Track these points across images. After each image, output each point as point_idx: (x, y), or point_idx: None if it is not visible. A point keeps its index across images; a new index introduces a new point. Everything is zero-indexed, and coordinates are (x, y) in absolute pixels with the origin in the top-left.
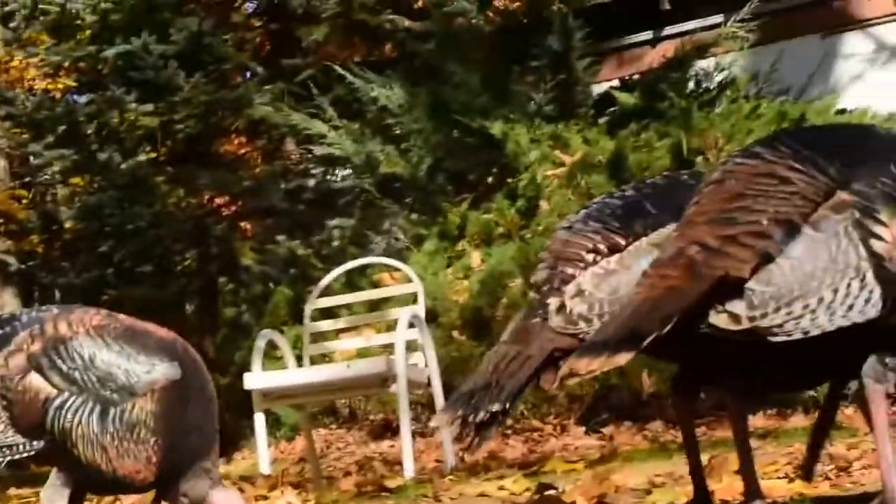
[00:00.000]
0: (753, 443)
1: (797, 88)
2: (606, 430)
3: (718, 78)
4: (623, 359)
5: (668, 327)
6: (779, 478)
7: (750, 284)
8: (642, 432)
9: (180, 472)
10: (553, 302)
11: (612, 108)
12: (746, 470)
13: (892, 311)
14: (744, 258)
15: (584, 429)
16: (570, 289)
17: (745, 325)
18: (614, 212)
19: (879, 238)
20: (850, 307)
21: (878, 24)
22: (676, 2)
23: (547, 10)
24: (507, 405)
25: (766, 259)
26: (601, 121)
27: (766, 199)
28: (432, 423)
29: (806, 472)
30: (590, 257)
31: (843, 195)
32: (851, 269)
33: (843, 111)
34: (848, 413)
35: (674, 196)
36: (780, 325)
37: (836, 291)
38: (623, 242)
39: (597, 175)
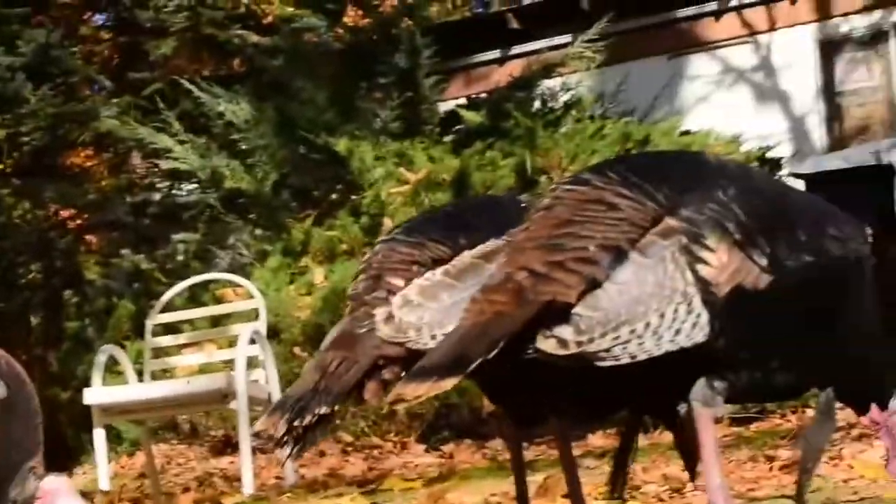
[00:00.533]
0: (592, 462)
1: (643, 109)
2: (446, 448)
3: (564, 98)
4: (449, 384)
5: (495, 352)
6: (614, 498)
7: (577, 309)
8: (482, 450)
9: (3, 485)
10: (380, 312)
11: (458, 127)
12: (573, 493)
13: (720, 335)
14: (571, 284)
15: (424, 446)
16: (397, 300)
17: (573, 349)
18: (437, 225)
19: (706, 263)
20: (678, 332)
21: (725, 46)
22: (525, 21)
23: (395, 28)
24: (334, 408)
25: (594, 284)
26: (447, 139)
27: (594, 225)
28: (256, 427)
29: (613, 490)
30: (414, 269)
31: (670, 221)
32: (678, 294)
33: (687, 132)
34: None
35: (494, 214)
36: (608, 350)
37: (662, 316)
38: (447, 255)
39: (441, 193)
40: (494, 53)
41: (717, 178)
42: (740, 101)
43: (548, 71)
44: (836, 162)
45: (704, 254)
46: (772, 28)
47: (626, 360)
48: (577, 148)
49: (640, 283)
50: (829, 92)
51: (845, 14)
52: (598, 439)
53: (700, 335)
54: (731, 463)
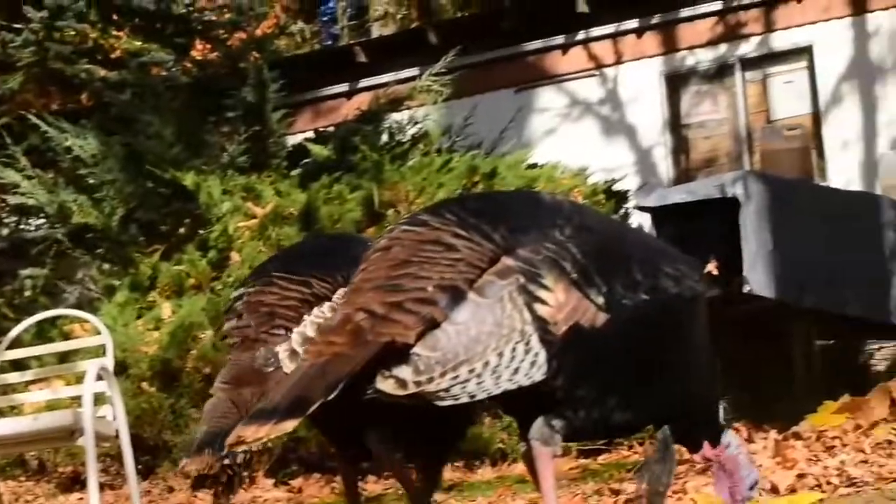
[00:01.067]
0: (439, 497)
1: (490, 142)
2: (295, 483)
3: (412, 131)
4: (289, 426)
5: (335, 394)
6: None
7: (416, 350)
8: (330, 484)
9: None
10: (283, 349)
11: (305, 160)
12: None
13: (558, 373)
14: (409, 324)
15: (272, 481)
16: (295, 337)
17: (412, 389)
18: (311, 263)
19: (543, 302)
20: (516, 370)
21: (572, 79)
22: (372, 54)
23: (243, 62)
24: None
25: (432, 325)
26: (294, 173)
27: (432, 265)
28: (186, 467)
29: None
30: (303, 307)
31: (507, 261)
32: (516, 333)
33: (534, 165)
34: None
35: (354, 250)
36: (447, 390)
37: (501, 355)
38: (329, 291)
39: (288, 227)
40: (343, 87)
41: (553, 217)
42: (587, 133)
43: (395, 104)
44: (681, 195)
45: (542, 293)
46: (618, 61)
47: (465, 400)
48: (424, 181)
49: (479, 322)
50: (676, 124)
51: (691, 47)
52: (445, 472)
53: (538, 374)
54: (576, 497)
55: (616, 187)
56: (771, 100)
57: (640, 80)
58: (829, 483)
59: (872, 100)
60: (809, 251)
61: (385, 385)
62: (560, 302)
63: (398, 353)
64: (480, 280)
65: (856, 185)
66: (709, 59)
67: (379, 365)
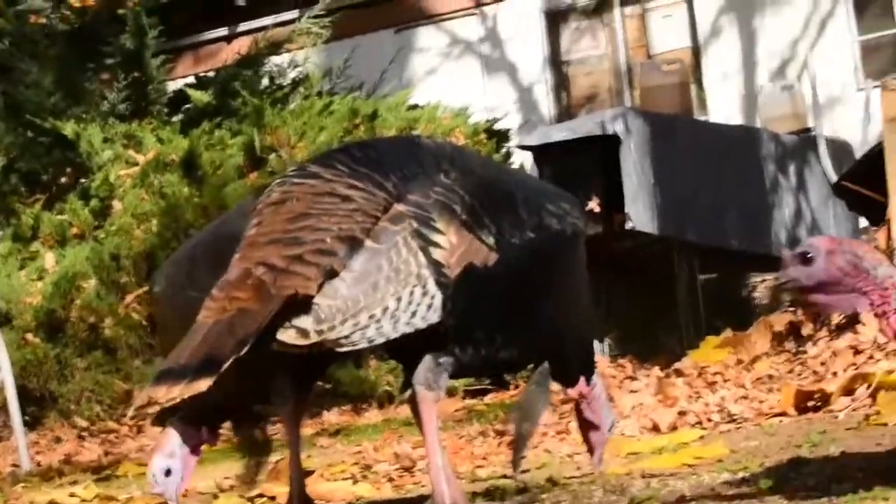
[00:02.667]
0: (325, 441)
1: (371, 84)
2: None
3: (292, 75)
4: (204, 385)
5: (245, 350)
6: (343, 479)
7: (316, 300)
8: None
9: None
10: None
11: (186, 106)
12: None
13: (451, 314)
14: (310, 276)
15: (160, 429)
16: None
17: (314, 338)
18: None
19: (437, 245)
20: (413, 314)
21: (452, 18)
22: None
23: (121, 8)
24: None
25: (332, 275)
26: (175, 119)
27: (329, 217)
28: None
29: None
30: None
31: (399, 207)
32: (413, 276)
33: (415, 106)
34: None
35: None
36: (347, 336)
37: (399, 300)
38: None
39: (170, 174)
40: (222, 31)
41: (438, 161)
42: (468, 73)
43: (275, 48)
44: (562, 133)
45: (435, 236)
46: None
47: (363, 345)
48: (305, 125)
49: (377, 269)
50: (556, 61)
51: None
52: (333, 416)
53: (434, 316)
54: (461, 439)
55: (497, 126)
56: (650, 34)
57: (520, 18)
58: (709, 420)
59: (751, 32)
60: (690, 186)
61: (286, 336)
62: (453, 244)
63: (300, 305)
64: (375, 227)
65: (737, 118)
66: None
67: (282, 318)
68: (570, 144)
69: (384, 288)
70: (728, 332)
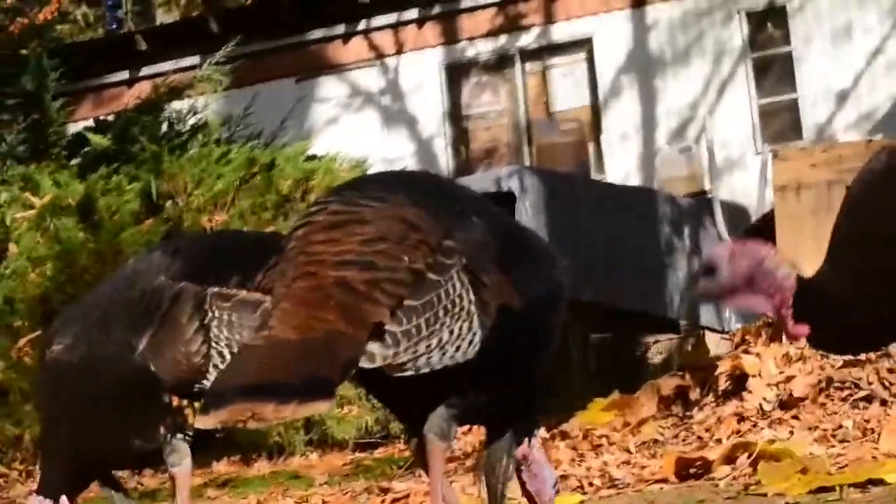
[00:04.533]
0: (213, 492)
1: (270, 132)
2: None
3: (192, 121)
4: (323, 407)
5: (350, 375)
6: None
7: (388, 327)
8: None
9: None
10: None
11: (85, 150)
12: None
13: (482, 353)
14: (386, 304)
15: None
16: None
17: (379, 363)
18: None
19: (483, 284)
20: (458, 348)
21: (353, 69)
22: (154, 42)
23: (27, 48)
24: None
25: (401, 303)
26: (73, 162)
27: (400, 245)
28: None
29: None
30: None
31: (448, 242)
32: (464, 311)
33: (313, 157)
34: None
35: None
36: (403, 364)
37: (451, 332)
38: None
39: (66, 218)
40: (124, 74)
41: (472, 204)
42: (368, 123)
43: (175, 93)
44: None
45: (481, 275)
46: (399, 51)
47: (411, 372)
48: (202, 173)
49: (437, 300)
50: (456, 115)
51: (471, 38)
52: (222, 466)
53: (472, 352)
54: (345, 495)
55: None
56: (551, 91)
57: (421, 71)
58: (591, 484)
59: (652, 92)
60: (586, 245)
61: None
62: (494, 283)
63: (375, 331)
64: (434, 260)
65: (634, 178)
66: (489, 49)
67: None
68: None
69: (442, 319)
70: (615, 395)
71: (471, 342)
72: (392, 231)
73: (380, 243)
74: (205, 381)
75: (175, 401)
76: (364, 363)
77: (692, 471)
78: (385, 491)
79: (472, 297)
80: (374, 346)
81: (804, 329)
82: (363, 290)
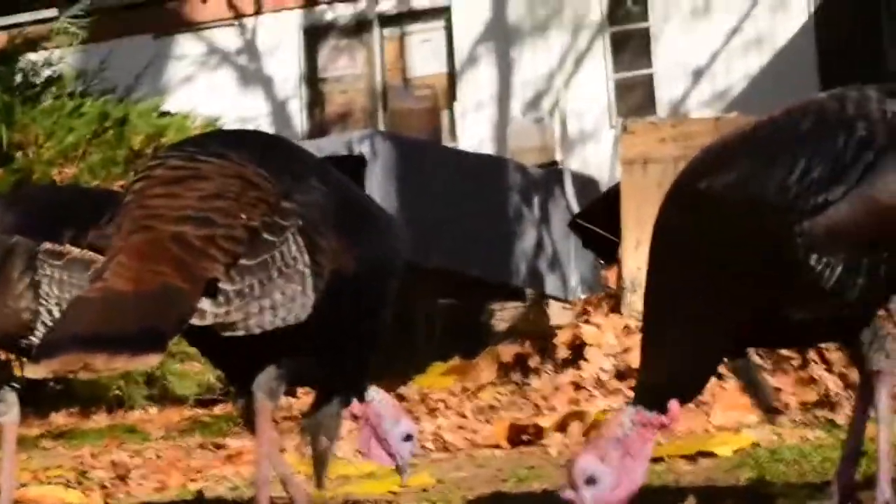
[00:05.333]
0: (48, 443)
1: (125, 88)
2: None
3: (46, 73)
4: (153, 360)
5: (182, 328)
6: (57, 484)
7: (221, 284)
8: None
9: None
10: None
11: None
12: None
13: (314, 317)
14: (221, 260)
15: None
16: None
17: (209, 321)
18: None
19: (318, 247)
20: (290, 310)
21: (211, 27)
22: None
23: None
24: None
25: (236, 261)
26: None
27: (239, 202)
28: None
29: None
30: None
31: (286, 203)
32: (298, 273)
33: (166, 113)
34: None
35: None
36: (234, 323)
37: (283, 293)
38: None
39: None
40: None
41: (313, 168)
42: (224, 82)
43: (31, 45)
44: (310, 150)
45: (317, 238)
46: (258, 12)
47: (241, 333)
48: (54, 125)
49: (272, 260)
50: (313, 78)
51: (331, 1)
52: (61, 418)
53: (304, 315)
54: (180, 450)
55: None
56: (408, 57)
57: (280, 32)
58: (423, 447)
59: (508, 63)
60: (435, 212)
61: None
62: (332, 248)
63: (208, 288)
64: (272, 220)
65: (488, 147)
66: (348, 13)
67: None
68: None
69: (275, 280)
70: (455, 360)
71: (303, 305)
72: (230, 188)
73: (218, 200)
74: (32, 338)
75: (2, 354)
76: (196, 320)
77: (525, 437)
78: (219, 447)
79: (306, 259)
80: (206, 304)
81: (676, 412)
82: (199, 245)
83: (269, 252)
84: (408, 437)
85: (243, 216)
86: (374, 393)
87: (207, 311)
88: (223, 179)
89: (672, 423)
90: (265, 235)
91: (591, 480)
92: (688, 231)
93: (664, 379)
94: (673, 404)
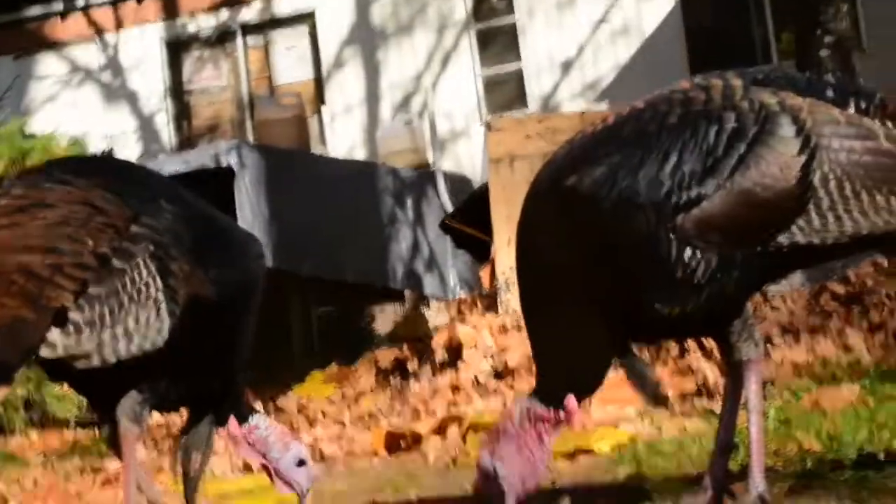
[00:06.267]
0: None
1: None
2: None
3: None
4: None
5: (28, 360)
6: None
7: (71, 314)
8: None
9: None
10: None
11: None
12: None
13: (171, 342)
14: (69, 289)
15: None
16: None
17: (60, 353)
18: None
19: (171, 272)
20: (145, 336)
21: (72, 45)
22: None
23: None
24: None
25: (85, 289)
26: None
27: (85, 229)
28: None
29: None
30: None
31: (135, 228)
32: (151, 300)
33: (31, 136)
34: None
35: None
36: (88, 354)
37: (137, 321)
38: None
39: None
40: None
41: (163, 191)
42: (88, 100)
43: None
44: (176, 164)
45: (170, 263)
46: (119, 27)
47: (96, 363)
48: None
49: (122, 287)
50: (178, 91)
51: (192, 13)
52: None
53: (160, 341)
54: (59, 475)
55: (118, 156)
56: (273, 66)
57: (142, 47)
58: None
59: (375, 66)
60: (306, 220)
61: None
62: (185, 272)
63: (57, 318)
64: (120, 245)
65: (359, 152)
66: (210, 25)
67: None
68: (191, 176)
69: (127, 307)
70: (334, 367)
71: (158, 330)
72: (77, 214)
73: (64, 227)
74: None
75: None
76: (46, 352)
77: (403, 444)
78: (97, 471)
79: (159, 284)
80: (56, 335)
81: (573, 408)
82: (46, 274)
83: (120, 279)
84: (301, 462)
85: (91, 243)
86: (260, 420)
87: (59, 343)
88: (69, 206)
89: (569, 419)
90: (115, 262)
91: (489, 476)
92: (556, 229)
93: (558, 376)
94: (569, 400)
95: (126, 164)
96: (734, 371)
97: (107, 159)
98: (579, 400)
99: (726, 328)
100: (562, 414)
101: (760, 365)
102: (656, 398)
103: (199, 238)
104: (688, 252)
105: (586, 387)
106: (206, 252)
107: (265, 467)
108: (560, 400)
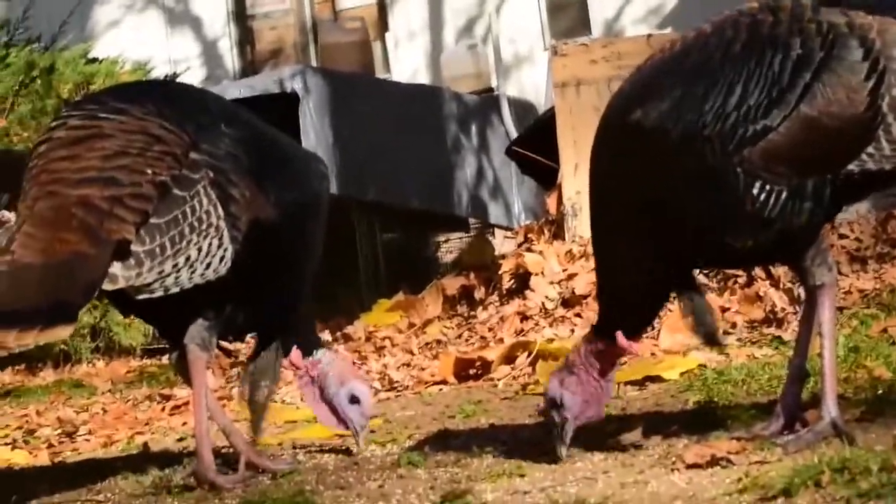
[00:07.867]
0: None
1: (51, 36)
2: None
3: None
4: (64, 332)
5: (94, 296)
6: (4, 444)
7: (133, 246)
8: None
9: None
10: None
11: None
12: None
13: (236, 268)
14: (130, 220)
15: None
16: None
17: (121, 284)
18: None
19: (233, 198)
20: (209, 265)
21: None
22: None
23: None
24: None
25: (146, 220)
26: None
27: (144, 158)
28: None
29: None
30: None
31: (195, 155)
32: (213, 227)
33: (94, 60)
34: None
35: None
36: (149, 284)
37: (199, 249)
38: None
39: None
40: None
41: (223, 114)
42: (151, 25)
43: None
44: (240, 89)
45: (231, 189)
46: None
47: (159, 293)
48: None
49: (182, 217)
50: (241, 15)
51: None
52: (6, 376)
53: (224, 269)
54: (127, 402)
55: (181, 80)
56: None
57: None
58: (370, 387)
59: None
60: (371, 145)
61: None
62: (246, 198)
63: (119, 250)
64: (179, 174)
65: (422, 77)
66: None
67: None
68: (252, 101)
69: (188, 237)
70: (400, 296)
71: (222, 258)
72: (134, 144)
73: (122, 157)
74: None
75: None
76: (107, 285)
77: (472, 371)
78: (166, 398)
79: (220, 212)
80: (116, 267)
81: (623, 343)
82: (106, 207)
83: (181, 208)
84: (354, 399)
85: (150, 171)
86: (324, 355)
87: (119, 275)
88: (126, 136)
89: (625, 352)
90: (175, 191)
91: (555, 404)
92: (626, 164)
93: (613, 309)
94: (620, 337)
95: (185, 89)
96: (809, 296)
97: (166, 85)
98: (632, 335)
99: (800, 255)
100: (617, 348)
101: (835, 289)
102: (711, 340)
103: (260, 161)
104: (757, 185)
105: (640, 320)
106: (267, 175)
107: (315, 403)
108: (612, 335)
